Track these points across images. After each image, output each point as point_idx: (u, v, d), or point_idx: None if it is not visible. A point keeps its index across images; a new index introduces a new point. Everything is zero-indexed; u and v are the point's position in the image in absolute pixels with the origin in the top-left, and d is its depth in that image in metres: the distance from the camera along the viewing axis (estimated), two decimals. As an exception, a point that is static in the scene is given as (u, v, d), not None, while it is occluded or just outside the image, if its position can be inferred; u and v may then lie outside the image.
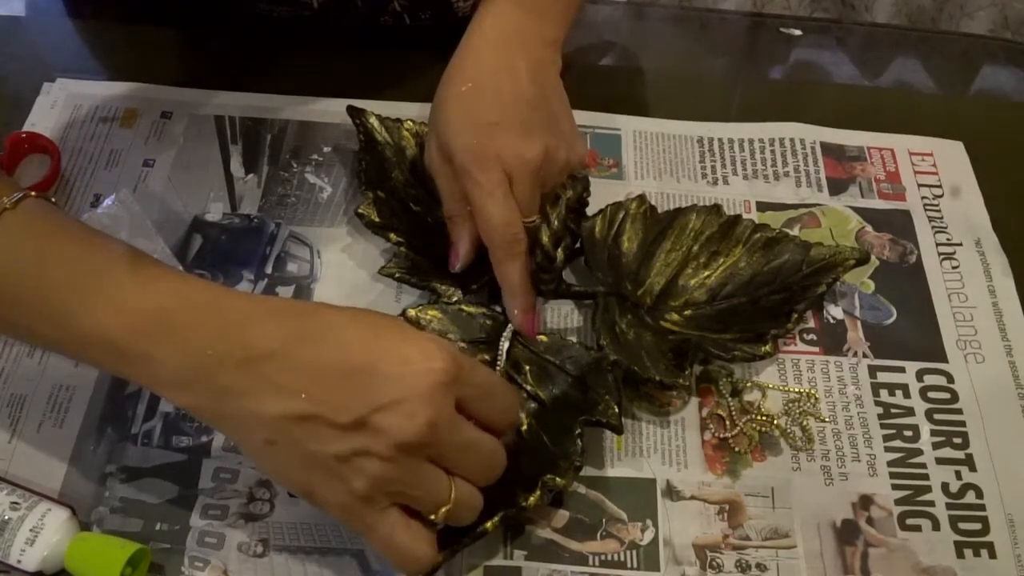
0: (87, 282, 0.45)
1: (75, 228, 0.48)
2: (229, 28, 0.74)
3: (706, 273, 0.60)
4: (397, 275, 0.60)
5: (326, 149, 0.68)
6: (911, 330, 0.61)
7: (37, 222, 0.47)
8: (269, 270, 0.62)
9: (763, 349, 0.57)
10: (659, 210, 0.63)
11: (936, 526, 0.54)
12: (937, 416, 0.58)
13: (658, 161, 0.69)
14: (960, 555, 0.53)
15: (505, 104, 0.58)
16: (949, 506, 0.54)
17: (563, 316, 0.61)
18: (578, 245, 0.61)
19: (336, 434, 0.42)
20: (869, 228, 0.66)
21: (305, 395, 0.42)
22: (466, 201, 0.57)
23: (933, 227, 0.67)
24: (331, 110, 0.69)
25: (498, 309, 0.59)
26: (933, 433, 0.57)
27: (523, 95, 0.59)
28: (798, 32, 0.83)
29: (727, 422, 0.57)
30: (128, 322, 0.44)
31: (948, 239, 0.66)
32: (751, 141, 0.71)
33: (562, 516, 0.53)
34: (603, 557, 0.52)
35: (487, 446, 0.47)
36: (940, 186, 0.69)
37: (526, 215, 0.57)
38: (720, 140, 0.71)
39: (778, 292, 0.59)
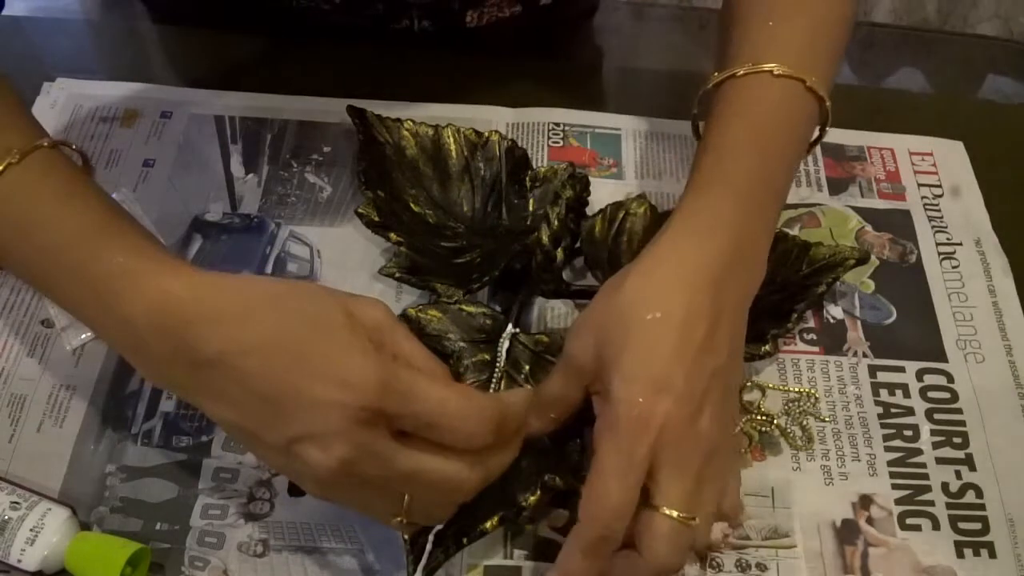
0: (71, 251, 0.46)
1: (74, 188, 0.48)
2: (233, 25, 0.74)
3: (706, 273, 0.60)
4: (397, 275, 0.60)
5: (326, 149, 0.68)
6: (911, 330, 0.61)
7: (35, 181, 0.47)
8: (269, 270, 0.62)
9: (763, 349, 0.57)
10: (659, 210, 0.63)
11: (936, 526, 0.54)
12: (937, 416, 0.58)
13: (658, 161, 0.69)
14: (960, 555, 0.53)
15: (716, 374, 0.46)
16: (949, 506, 0.54)
17: (563, 316, 0.61)
18: (578, 245, 0.61)
19: (271, 449, 0.43)
20: (869, 228, 0.66)
21: (242, 408, 0.42)
22: (567, 411, 0.49)
23: (933, 227, 0.67)
24: (331, 110, 0.69)
25: (498, 309, 0.59)
26: (933, 433, 0.57)
27: (727, 374, 0.47)
28: (798, 32, 0.83)
29: (727, 422, 0.57)
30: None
31: (948, 239, 0.66)
32: (751, 141, 0.70)
33: (562, 516, 0.53)
34: (603, 557, 0.52)
35: (436, 474, 0.42)
36: (940, 186, 0.69)
37: (689, 512, 0.44)
38: (720, 140, 0.70)
39: (778, 292, 0.59)
